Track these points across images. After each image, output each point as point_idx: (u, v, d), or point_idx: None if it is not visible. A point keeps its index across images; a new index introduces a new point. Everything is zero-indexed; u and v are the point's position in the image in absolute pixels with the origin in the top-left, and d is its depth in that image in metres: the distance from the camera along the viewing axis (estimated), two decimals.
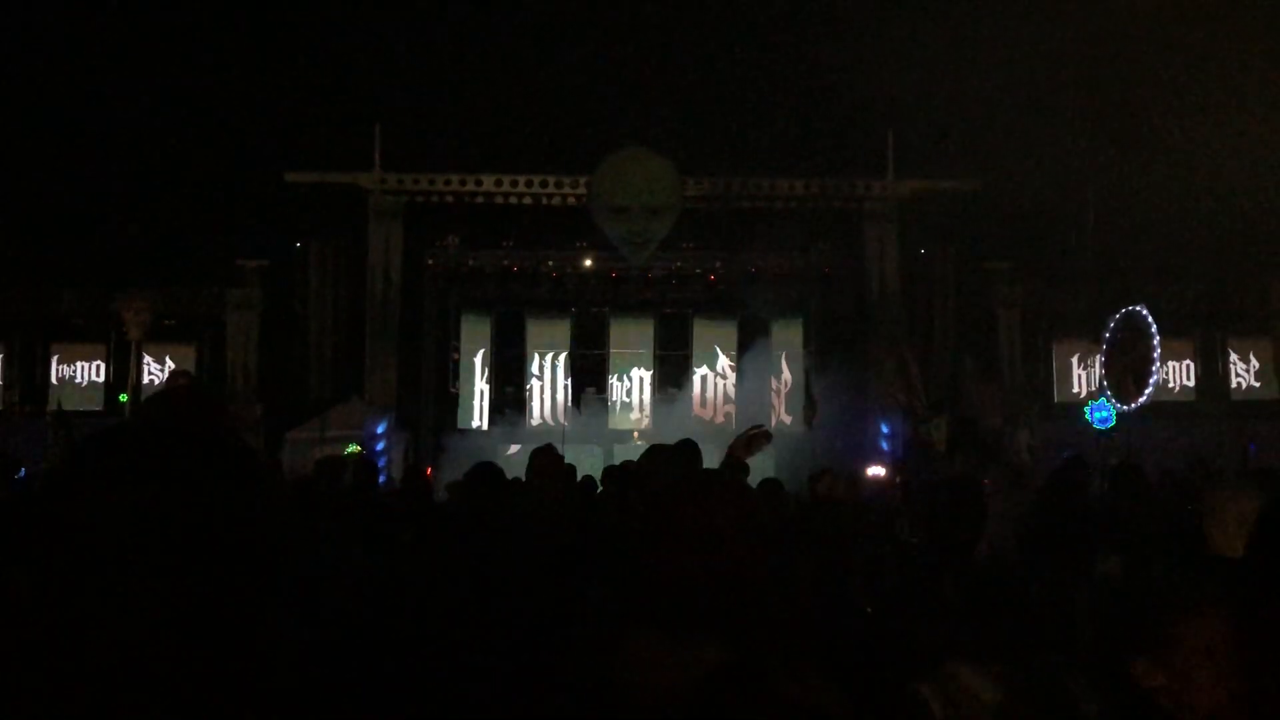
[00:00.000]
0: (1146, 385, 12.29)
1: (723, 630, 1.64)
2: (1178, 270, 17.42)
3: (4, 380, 18.14)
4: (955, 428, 15.57)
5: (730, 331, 19.72)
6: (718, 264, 18.70)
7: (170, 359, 17.53)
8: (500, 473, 4.34)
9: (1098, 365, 13.66)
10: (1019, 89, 15.32)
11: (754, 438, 3.61)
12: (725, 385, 19.76)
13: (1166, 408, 16.59)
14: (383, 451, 15.79)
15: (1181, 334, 17.97)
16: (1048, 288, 18.36)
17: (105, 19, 17.30)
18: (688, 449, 5.65)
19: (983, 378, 17.44)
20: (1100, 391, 13.55)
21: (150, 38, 17.12)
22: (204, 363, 17.71)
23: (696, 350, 19.74)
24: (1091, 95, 14.88)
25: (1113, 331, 12.94)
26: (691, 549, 1.73)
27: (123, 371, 16.60)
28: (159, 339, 17.17)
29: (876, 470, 10.78)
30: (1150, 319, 12.47)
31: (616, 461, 8.50)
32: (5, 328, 18.13)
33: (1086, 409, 13.69)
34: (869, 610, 3.69)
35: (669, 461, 3.78)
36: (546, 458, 4.22)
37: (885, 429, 17.03)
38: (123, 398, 15.62)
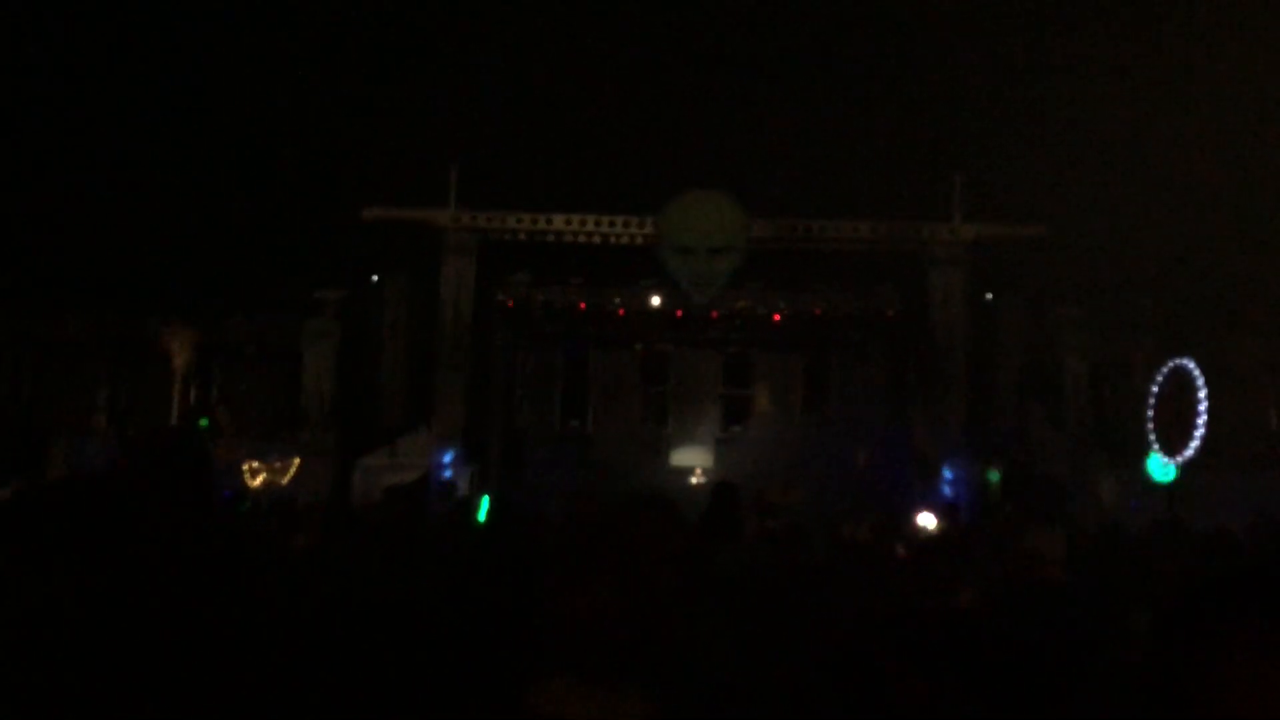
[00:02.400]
0: (1192, 439, 12.12)
1: (644, 680, 1.51)
2: (1246, 320, 17.17)
3: (92, 402, 18.91)
4: (1010, 476, 15.45)
5: (793, 371, 19.83)
6: (782, 304, 18.85)
7: (249, 385, 18.17)
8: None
9: (1147, 417, 13.50)
10: (1088, 134, 15.34)
11: (790, 483, 3.78)
12: (788, 425, 19.83)
13: (1236, 461, 16.30)
14: (449, 481, 16.14)
15: (1249, 383, 17.66)
16: (1116, 335, 18.19)
17: (199, 57, 18.11)
18: (724, 491, 5.80)
19: (1049, 426, 17.31)
20: (1150, 445, 13.38)
21: (240, 77, 17.90)
22: (281, 390, 18.31)
23: (759, 389, 19.86)
24: (1155, 142, 14.83)
25: (1160, 384, 12.82)
26: (609, 587, 1.57)
27: (204, 398, 17.29)
28: (239, 366, 17.84)
29: (926, 518, 10.52)
30: (1197, 371, 12.34)
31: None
32: (97, 352, 18.92)
33: (1149, 461, 13.52)
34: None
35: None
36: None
37: (949, 474, 16.94)
38: (203, 422, 16.21)
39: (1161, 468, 12.96)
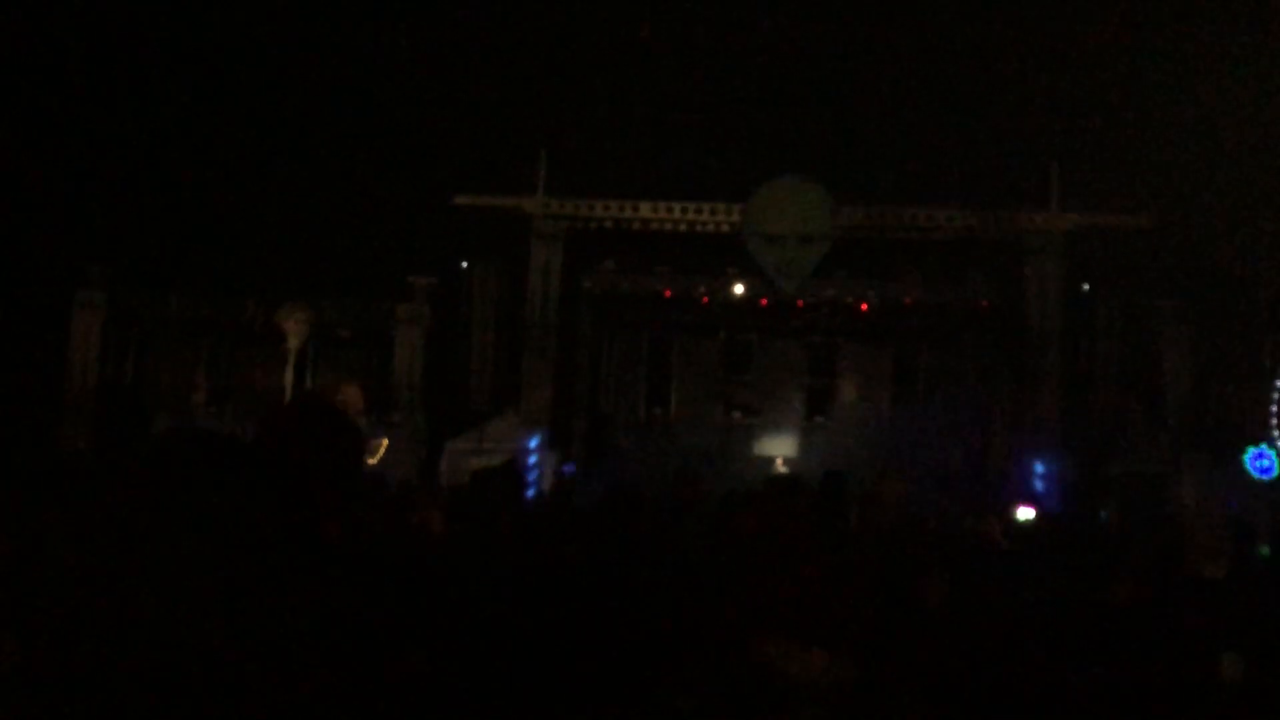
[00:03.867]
0: None
1: (827, 639, 1.79)
2: None
3: (195, 384, 19.54)
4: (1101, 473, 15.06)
5: (881, 362, 19.58)
6: (870, 293, 18.61)
7: (342, 368, 18.59)
8: (638, 496, 4.61)
9: (1270, 412, 13.01)
10: (1191, 120, 14.79)
11: (896, 480, 3.77)
12: (874, 416, 19.60)
13: None
14: (535, 465, 16.32)
15: None
16: (1218, 329, 17.55)
17: (292, 46, 18.50)
18: (833, 481, 5.80)
19: (1148, 422, 16.81)
20: (1267, 439, 12.90)
21: (337, 64, 18.27)
22: (373, 373, 18.71)
23: (846, 379, 19.66)
24: (1266, 128, 14.21)
25: None
26: (818, 564, 1.89)
27: (298, 380, 17.74)
28: (332, 348, 18.27)
29: (1025, 511, 10.41)
30: None
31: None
32: (197, 332, 19.52)
33: (1246, 457, 13.05)
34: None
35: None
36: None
37: (1039, 469, 16.57)
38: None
39: (1258, 464, 12.52)
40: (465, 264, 18.81)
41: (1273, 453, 12.29)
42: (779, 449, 19.25)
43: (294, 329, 15.72)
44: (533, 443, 17.01)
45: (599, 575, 3.55)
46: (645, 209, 17.88)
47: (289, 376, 16.22)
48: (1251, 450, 12.72)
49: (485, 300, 18.65)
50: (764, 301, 18.51)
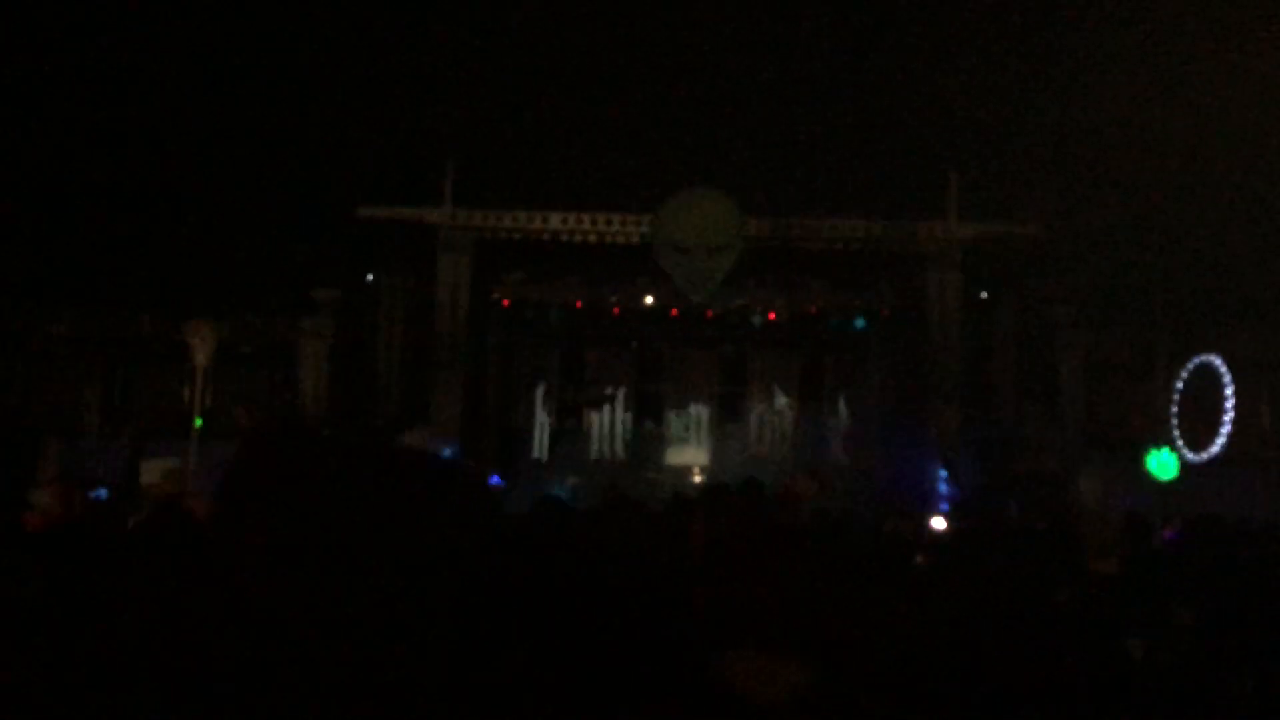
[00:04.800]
0: (1219, 435, 12.20)
1: (798, 651, 1.75)
2: (1251, 317, 17.20)
3: (86, 403, 18.80)
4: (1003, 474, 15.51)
5: (789, 370, 19.84)
6: (778, 303, 18.86)
7: (243, 384, 18.09)
8: (567, 506, 4.57)
9: (1170, 414, 13.54)
10: (1083, 131, 15.34)
11: (808, 478, 3.81)
12: (783, 423, 19.84)
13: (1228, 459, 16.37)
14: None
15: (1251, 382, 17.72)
16: (1113, 333, 18.24)
17: (186, 49, 18.00)
18: (752, 487, 5.86)
19: (1046, 425, 17.34)
20: (1166, 440, 13.43)
21: (233, 73, 17.81)
22: (276, 389, 18.25)
23: (755, 388, 19.87)
24: (1156, 135, 14.84)
25: (1186, 380, 12.88)
26: (753, 582, 1.87)
27: (195, 396, 17.18)
28: (232, 365, 17.75)
29: (938, 520, 10.67)
30: (1224, 368, 12.39)
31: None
32: (89, 350, 18.80)
33: (1149, 458, 13.58)
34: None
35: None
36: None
37: (944, 473, 16.97)
38: (197, 422, 16.13)
39: (1162, 465, 13.02)
40: (371, 277, 18.49)
41: (1172, 454, 12.80)
42: (692, 458, 19.35)
43: (200, 345, 15.22)
44: (444, 456, 16.77)
45: (545, 588, 3.48)
46: (555, 220, 17.84)
47: (195, 395, 15.70)
48: (1152, 451, 13.25)
49: (392, 313, 18.35)
50: (674, 311, 18.61)
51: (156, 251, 18.10)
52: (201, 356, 15.49)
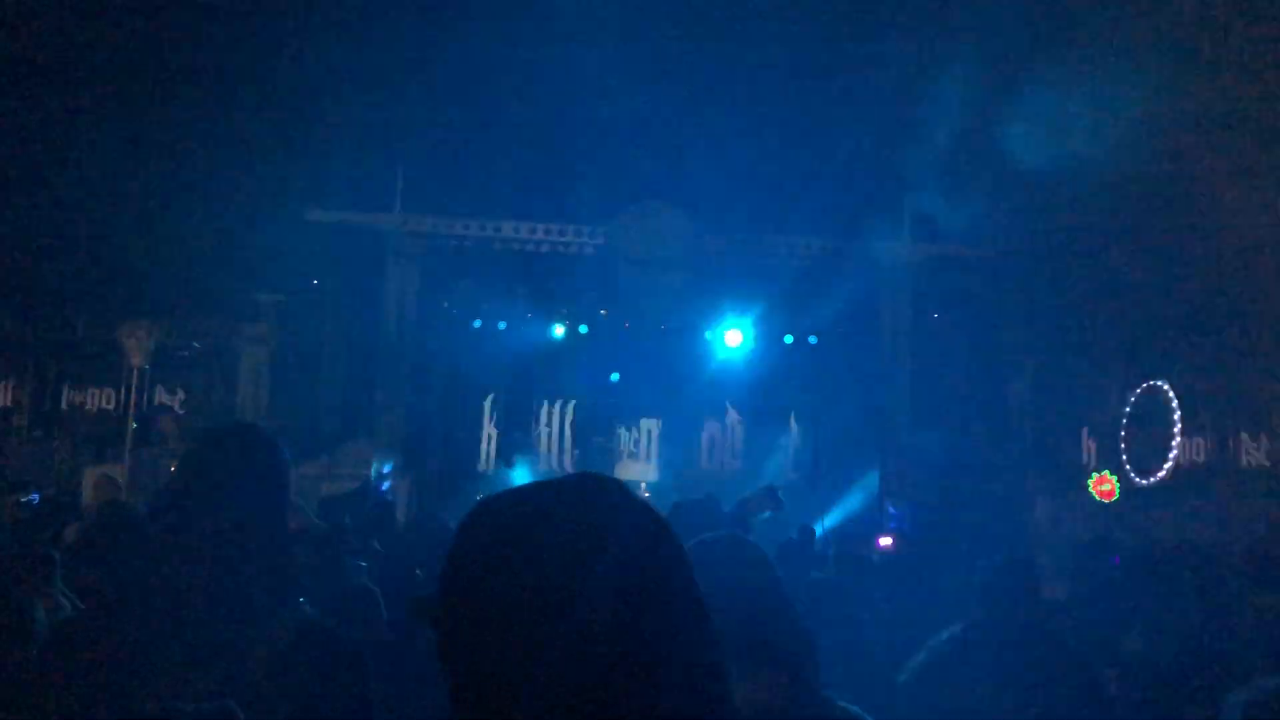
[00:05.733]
0: (1166, 461, 12.28)
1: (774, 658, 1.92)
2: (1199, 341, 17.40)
3: (15, 405, 18.14)
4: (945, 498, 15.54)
5: (740, 386, 19.71)
6: (729, 318, 18.75)
7: (181, 389, 17.55)
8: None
9: (1118, 439, 13.64)
10: (1037, 151, 15.43)
11: (761, 498, 3.70)
12: (733, 440, 19.72)
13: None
14: (388, 491, 15.74)
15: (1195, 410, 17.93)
16: (1062, 357, 18.36)
17: (136, 52, 17.54)
18: (711, 505, 5.67)
19: (994, 447, 17.39)
20: (1112, 465, 13.52)
21: (182, 74, 17.36)
22: (215, 394, 17.73)
23: (706, 403, 19.73)
24: (1109, 158, 14.96)
25: (1134, 405, 12.97)
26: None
27: (131, 400, 16.62)
28: (170, 369, 17.20)
29: (885, 539, 10.65)
30: (1172, 395, 12.49)
31: None
32: (19, 353, 18.17)
33: (1089, 482, 13.67)
34: None
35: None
36: None
37: (893, 492, 16.95)
38: (132, 425, 15.63)
39: (1101, 489, 13.09)
40: (316, 282, 18.06)
41: (1114, 477, 12.89)
42: (640, 473, 19.14)
43: (135, 347, 14.74)
44: (387, 468, 16.42)
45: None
46: (507, 228, 17.61)
47: (131, 398, 15.21)
48: (1094, 475, 13.33)
49: (337, 319, 17.94)
50: (626, 325, 18.45)
51: (95, 251, 17.56)
52: (138, 358, 15.03)
